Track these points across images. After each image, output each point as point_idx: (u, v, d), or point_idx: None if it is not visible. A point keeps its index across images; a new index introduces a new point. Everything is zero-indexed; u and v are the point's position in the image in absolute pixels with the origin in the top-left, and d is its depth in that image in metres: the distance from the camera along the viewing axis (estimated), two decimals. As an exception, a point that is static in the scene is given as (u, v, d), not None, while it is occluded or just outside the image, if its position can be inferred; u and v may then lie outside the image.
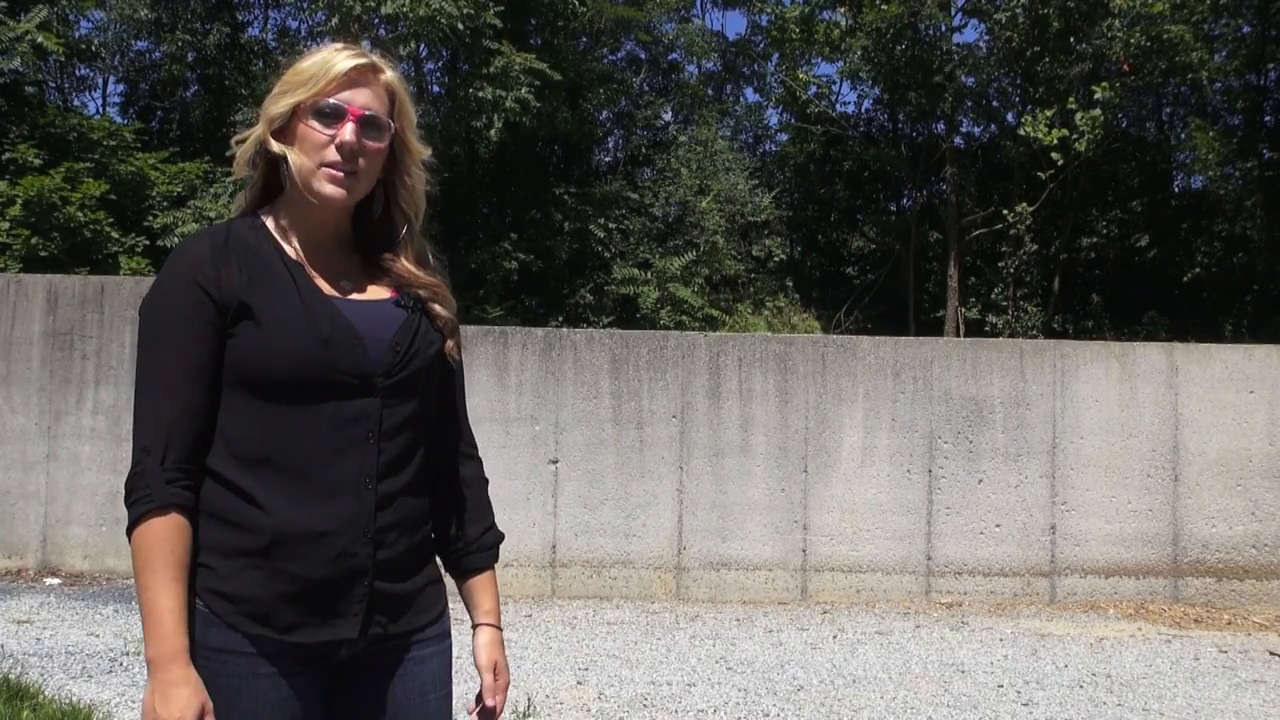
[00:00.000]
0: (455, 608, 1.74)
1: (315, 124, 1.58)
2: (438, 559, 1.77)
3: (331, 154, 1.58)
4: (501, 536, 1.83)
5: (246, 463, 1.54)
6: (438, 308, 1.69)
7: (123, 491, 1.53)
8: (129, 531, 1.50)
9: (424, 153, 1.70)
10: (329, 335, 1.56)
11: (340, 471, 1.56)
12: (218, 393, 1.55)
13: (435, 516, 1.76)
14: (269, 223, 1.65)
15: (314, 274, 1.62)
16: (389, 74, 1.64)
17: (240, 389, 1.55)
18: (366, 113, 1.59)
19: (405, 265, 1.69)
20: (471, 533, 1.78)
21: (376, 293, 1.66)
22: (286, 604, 1.53)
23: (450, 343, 1.71)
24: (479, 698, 1.74)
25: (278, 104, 1.60)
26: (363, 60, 1.61)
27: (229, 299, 1.54)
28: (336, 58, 1.60)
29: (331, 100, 1.58)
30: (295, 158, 1.59)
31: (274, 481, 1.54)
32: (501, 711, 1.74)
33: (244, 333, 1.54)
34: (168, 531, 1.48)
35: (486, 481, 1.84)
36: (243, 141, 1.64)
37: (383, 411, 1.59)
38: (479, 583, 1.78)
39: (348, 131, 1.57)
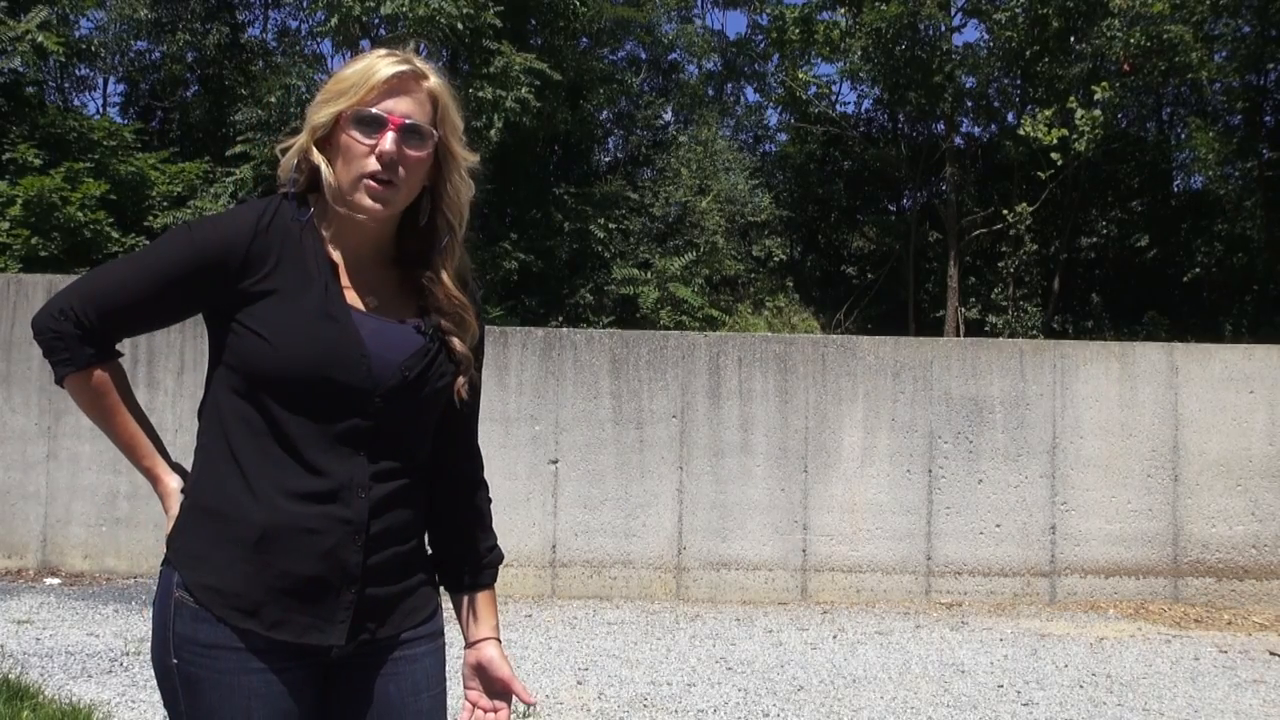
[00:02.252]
0: (448, 609, 1.74)
1: (356, 133, 1.56)
2: (436, 575, 1.77)
3: (372, 164, 1.56)
4: (503, 556, 1.85)
5: (242, 457, 1.55)
6: (456, 342, 1.67)
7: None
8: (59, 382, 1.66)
9: (470, 159, 1.68)
10: (334, 343, 1.55)
11: (332, 478, 1.56)
12: (151, 322, 1.65)
13: (443, 533, 1.76)
14: (313, 220, 1.64)
15: (344, 282, 1.61)
16: (432, 80, 1.62)
17: (243, 380, 1.56)
18: (407, 121, 1.57)
19: (445, 284, 1.66)
20: (480, 550, 1.78)
21: (401, 315, 1.64)
22: (274, 598, 1.53)
23: (461, 380, 1.68)
24: (472, 703, 1.75)
25: (320, 113, 1.58)
26: (404, 67, 1.58)
27: (246, 281, 1.55)
28: (378, 64, 1.58)
29: (372, 109, 1.56)
30: (329, 173, 1.57)
31: (268, 478, 1.54)
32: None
33: (253, 316, 1.55)
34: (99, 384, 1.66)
35: (491, 501, 1.84)
36: (286, 150, 1.62)
37: (377, 430, 1.58)
38: (485, 598, 1.78)
39: (388, 141, 1.55)
